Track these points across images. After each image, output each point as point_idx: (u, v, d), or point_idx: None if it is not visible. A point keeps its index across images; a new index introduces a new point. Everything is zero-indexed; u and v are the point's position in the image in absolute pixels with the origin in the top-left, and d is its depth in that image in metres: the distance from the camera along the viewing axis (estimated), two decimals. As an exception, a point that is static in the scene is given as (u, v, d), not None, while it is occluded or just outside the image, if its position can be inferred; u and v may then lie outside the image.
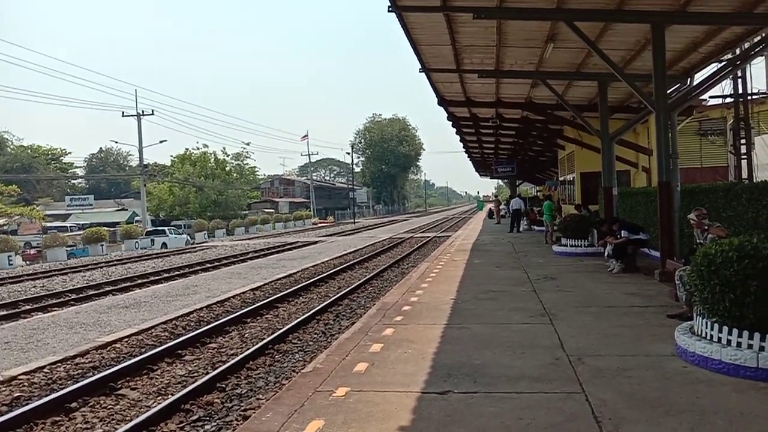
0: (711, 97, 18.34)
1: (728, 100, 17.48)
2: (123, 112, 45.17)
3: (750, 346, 4.89)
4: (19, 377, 6.99)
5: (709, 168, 20.04)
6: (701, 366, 5.13)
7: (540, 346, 6.03)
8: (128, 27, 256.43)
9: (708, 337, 5.24)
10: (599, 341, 6.13)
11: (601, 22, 10.65)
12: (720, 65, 12.91)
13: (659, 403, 4.35)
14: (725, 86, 16.70)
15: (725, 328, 5.08)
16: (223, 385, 6.59)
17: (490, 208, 44.05)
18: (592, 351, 5.76)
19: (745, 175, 15.65)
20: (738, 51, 12.15)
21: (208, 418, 5.65)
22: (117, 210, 65.69)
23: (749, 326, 4.94)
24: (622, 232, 11.31)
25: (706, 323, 5.29)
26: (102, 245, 33.13)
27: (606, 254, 11.71)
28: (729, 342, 5.04)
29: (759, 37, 11.15)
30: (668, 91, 11.09)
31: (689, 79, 13.48)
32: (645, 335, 6.29)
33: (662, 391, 4.61)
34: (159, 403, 5.96)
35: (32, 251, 32.18)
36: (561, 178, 29.80)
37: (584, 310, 7.82)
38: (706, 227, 7.39)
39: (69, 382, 6.90)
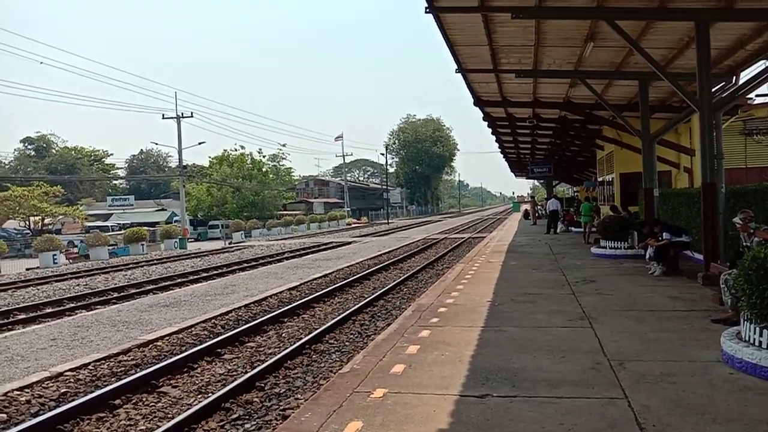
0: (757, 95, 17.77)
1: (775, 98, 16.92)
2: (163, 115, 46.11)
3: (800, 354, 4.73)
4: (66, 373, 7.19)
5: (755, 168, 19.43)
6: (749, 373, 4.98)
7: (580, 350, 5.94)
8: (167, 29, 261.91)
9: (756, 344, 5.09)
10: (641, 346, 6.01)
11: (643, 20, 10.43)
12: None
13: (705, 410, 4.24)
14: (772, 84, 16.16)
15: (775, 335, 4.93)
16: (262, 384, 6.68)
17: (525, 209, 43.56)
18: (634, 356, 5.66)
19: (793, 175, 15.13)
20: (787, 48, 11.75)
21: (247, 417, 5.73)
22: (156, 210, 67.15)
23: (800, 333, 4.79)
24: (664, 234, 11.07)
25: (755, 329, 5.14)
26: (142, 245, 33.87)
27: (647, 257, 11.47)
28: (779, 349, 4.88)
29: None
30: (713, 90, 10.79)
31: (734, 77, 13.09)
32: (689, 340, 6.15)
33: (708, 398, 4.49)
34: (200, 402, 6.07)
35: (75, 250, 33.09)
36: (599, 179, 29.28)
37: (625, 313, 7.67)
38: (753, 230, 7.19)
39: (113, 379, 7.07)
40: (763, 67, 12.52)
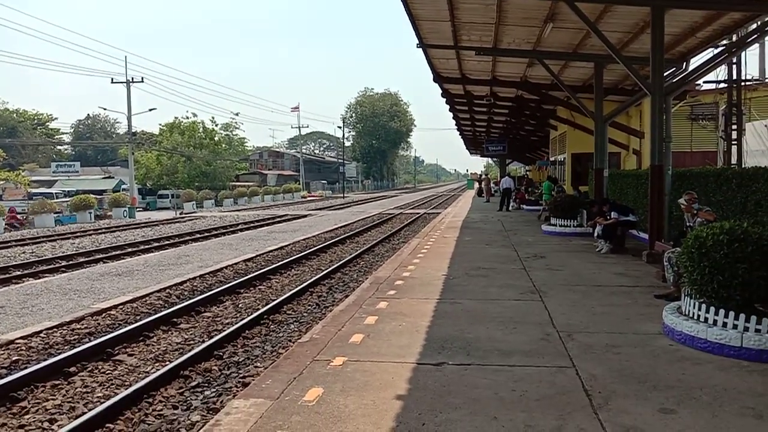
0: (705, 82, 18.45)
1: (722, 85, 17.59)
2: (112, 79, 44.47)
3: (735, 327, 5.07)
4: (17, 341, 7.04)
5: (699, 152, 20.25)
6: (688, 344, 5.31)
7: (531, 322, 6.19)
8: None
9: (695, 317, 5.41)
10: (588, 319, 6.30)
11: (601, 3, 10.65)
12: (716, 51, 12.99)
13: (647, 378, 4.51)
14: (719, 72, 16.83)
15: (712, 309, 5.26)
16: (221, 353, 6.70)
17: (479, 187, 44.15)
18: (581, 328, 5.93)
19: (734, 160, 15.84)
20: (735, 37, 12.22)
21: (207, 384, 5.77)
22: (104, 178, 65.14)
23: (735, 307, 5.12)
24: (612, 213, 11.49)
25: (694, 304, 5.46)
26: (90, 213, 32.91)
27: (595, 234, 11.88)
28: (715, 322, 5.21)
29: (755, 24, 11.22)
30: (664, 75, 11.16)
31: (685, 64, 13.56)
32: (633, 314, 6.47)
33: (650, 367, 4.77)
34: (158, 370, 6.06)
35: (19, 217, 31.87)
36: (552, 159, 29.96)
37: (573, 288, 7.99)
38: (696, 211, 7.55)
39: (66, 347, 6.97)
40: (711, 54, 13.02)
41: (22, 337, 7.15)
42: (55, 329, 7.63)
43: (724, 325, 5.14)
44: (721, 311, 5.19)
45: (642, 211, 11.99)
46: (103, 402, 5.16)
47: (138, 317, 8.47)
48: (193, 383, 5.77)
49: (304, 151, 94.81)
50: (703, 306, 5.35)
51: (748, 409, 3.92)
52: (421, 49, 15.34)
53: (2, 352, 6.72)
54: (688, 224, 7.72)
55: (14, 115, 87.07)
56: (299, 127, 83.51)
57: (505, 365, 4.84)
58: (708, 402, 4.06)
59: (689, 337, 5.32)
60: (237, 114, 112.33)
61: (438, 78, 19.13)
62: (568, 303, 7.05)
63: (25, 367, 6.11)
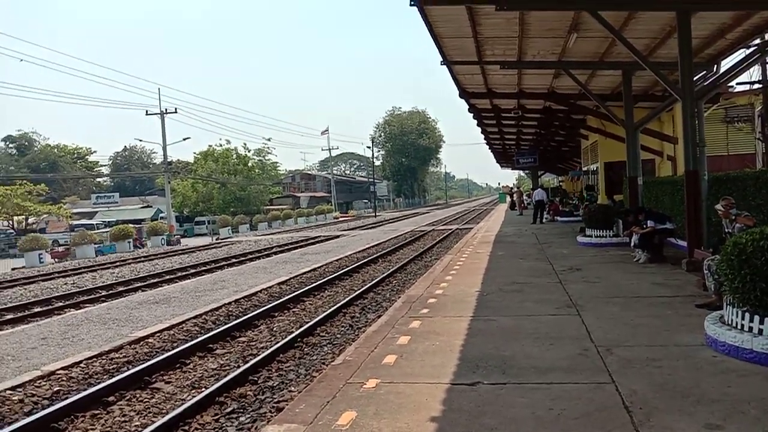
0: (738, 83, 18.02)
1: (756, 86, 17.16)
2: (147, 111, 45.79)
3: (782, 336, 4.86)
4: (58, 372, 7.18)
5: (736, 156, 19.71)
6: (732, 356, 5.10)
7: (568, 337, 6.04)
8: (149, 25, 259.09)
9: (739, 327, 5.21)
10: (627, 332, 6.12)
11: (625, 10, 10.53)
12: (748, 51, 12.69)
13: (690, 392, 4.35)
14: (753, 72, 16.43)
15: (756, 318, 5.05)
16: (255, 378, 6.72)
17: (512, 200, 43.78)
18: (620, 341, 5.76)
19: (773, 162, 15.38)
20: (767, 36, 11.93)
21: (242, 410, 5.78)
22: (142, 207, 66.76)
23: (781, 315, 4.91)
24: (649, 221, 11.22)
25: (737, 313, 5.26)
26: (129, 242, 33.68)
27: (632, 244, 11.62)
28: (761, 331, 5.00)
29: (788, 22, 10.95)
30: (694, 79, 10.94)
31: (715, 66, 13.28)
32: (674, 325, 6.27)
33: (693, 381, 4.60)
34: (194, 396, 6.10)
35: (61, 249, 32.80)
36: (584, 168, 29.55)
37: (611, 300, 7.79)
38: (734, 217, 7.33)
39: (105, 377, 7.08)
40: (743, 55, 12.72)
41: (63, 368, 7.30)
42: (95, 359, 7.77)
43: (771, 334, 4.94)
44: (767, 319, 4.99)
45: (679, 218, 11.70)
46: (142, 430, 5.21)
47: (175, 344, 8.57)
48: (229, 409, 5.78)
49: (335, 172, 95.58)
50: (747, 315, 5.15)
51: (800, 423, 3.75)
52: (445, 66, 15.37)
53: (44, 383, 6.86)
54: (726, 230, 7.49)
55: (55, 150, 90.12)
56: (329, 149, 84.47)
57: (542, 383, 4.72)
58: (757, 416, 3.89)
59: (733, 348, 5.13)
60: (269, 139, 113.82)
61: (464, 94, 19.09)
62: (606, 316, 6.88)
63: (66, 398, 6.22)
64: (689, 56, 9.93)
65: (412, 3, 10.29)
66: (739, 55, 12.86)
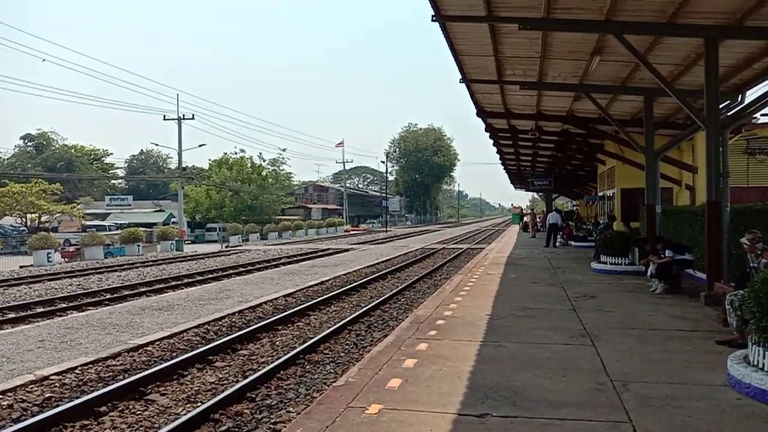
0: (762, 115, 17.70)
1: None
2: (164, 116, 46.04)
3: (812, 381, 4.57)
4: (51, 377, 6.99)
5: (757, 189, 19.32)
6: (758, 399, 4.81)
7: (582, 369, 5.77)
8: (170, 30, 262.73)
9: (766, 369, 4.92)
10: (644, 366, 5.84)
11: (652, 35, 10.32)
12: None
13: (713, 438, 4.07)
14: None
15: (785, 360, 4.77)
16: (253, 395, 6.47)
17: (525, 221, 43.42)
18: (637, 377, 5.49)
19: (796, 196, 15.01)
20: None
21: (236, 430, 5.53)
22: (155, 211, 66.93)
23: (812, 359, 4.62)
24: (667, 251, 10.92)
25: (764, 353, 4.97)
26: (138, 245, 33.65)
27: (649, 274, 11.31)
28: (790, 375, 4.72)
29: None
30: (719, 108, 10.68)
31: (740, 96, 12.99)
32: (693, 362, 5.98)
33: (716, 424, 4.33)
34: (188, 411, 5.87)
35: (71, 249, 32.85)
36: (600, 193, 29.20)
37: (627, 332, 7.50)
38: (761, 251, 7.05)
39: (99, 385, 6.87)
40: (769, 86, 12.43)
41: (57, 373, 7.10)
42: (91, 365, 7.56)
43: (800, 379, 4.65)
44: (796, 363, 4.70)
45: (698, 249, 11.38)
46: (130, 446, 4.99)
47: (174, 354, 8.36)
48: (223, 428, 5.53)
49: (348, 185, 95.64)
50: (774, 356, 4.86)
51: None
52: (464, 84, 15.21)
53: (36, 388, 6.66)
54: (752, 265, 7.21)
55: (72, 150, 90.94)
56: (344, 162, 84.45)
57: (554, 419, 4.46)
58: (786, 470, 3.61)
59: (760, 391, 4.83)
60: (284, 150, 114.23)
61: (481, 113, 18.91)
62: (622, 348, 6.59)
63: (57, 405, 6.01)
64: (716, 84, 9.68)
65: (434, 18, 10.16)
66: (765, 86, 12.58)
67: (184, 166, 49.12)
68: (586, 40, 11.13)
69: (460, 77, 14.53)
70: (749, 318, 5.22)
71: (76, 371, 7.30)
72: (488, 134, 23.10)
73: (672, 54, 11.37)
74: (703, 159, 10.59)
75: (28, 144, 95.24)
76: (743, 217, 10.15)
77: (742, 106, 12.88)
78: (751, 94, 13.08)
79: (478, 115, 19.01)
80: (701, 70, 9.91)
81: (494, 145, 27.24)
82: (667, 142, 14.80)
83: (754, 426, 4.32)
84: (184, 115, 45.55)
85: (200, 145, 64.76)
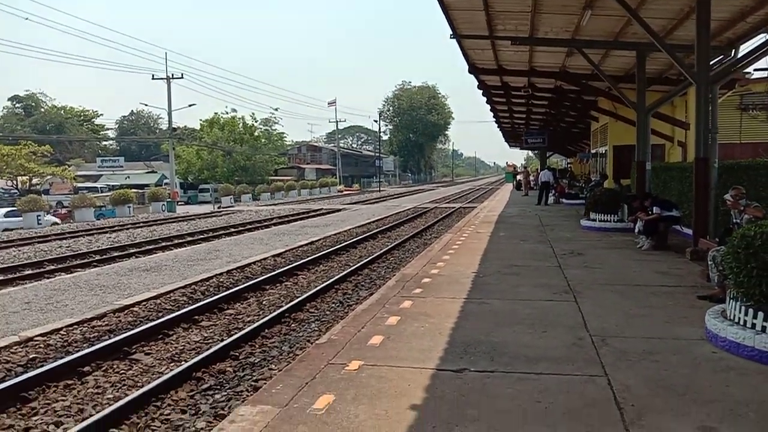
0: (755, 69, 17.51)
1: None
2: (153, 75, 45.29)
3: (787, 334, 4.61)
4: (36, 338, 6.98)
5: (750, 144, 19.26)
6: (733, 352, 4.87)
7: (562, 325, 5.81)
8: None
9: (741, 323, 4.97)
10: (625, 322, 5.89)
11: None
12: (768, 36, 12.21)
13: (686, 390, 4.12)
14: (771, 58, 15.89)
15: (761, 314, 4.80)
16: (237, 354, 6.51)
17: (518, 179, 43.35)
18: (616, 332, 5.54)
19: (787, 152, 14.97)
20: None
21: (218, 387, 5.57)
22: (147, 172, 66.44)
23: (788, 313, 4.65)
24: (655, 208, 10.92)
25: (740, 308, 5.01)
26: (129, 207, 33.51)
27: (636, 230, 11.34)
28: (764, 329, 4.76)
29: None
30: (711, 63, 10.52)
31: (734, 51, 12.80)
32: (674, 317, 6.03)
33: (690, 377, 4.38)
34: (171, 370, 5.91)
35: (63, 211, 32.72)
36: (593, 151, 29.11)
37: (610, 288, 7.55)
38: (743, 207, 7.05)
39: (84, 345, 6.88)
40: (763, 39, 12.23)
41: (41, 335, 7.09)
42: (76, 326, 7.56)
43: (775, 332, 4.68)
44: (772, 317, 4.73)
45: (687, 205, 11.38)
46: (112, 404, 5.01)
47: (160, 314, 8.36)
48: (205, 386, 5.57)
49: (341, 145, 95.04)
50: (750, 311, 4.89)
51: (803, 430, 3.50)
52: (455, 40, 14.92)
53: (20, 349, 6.66)
54: (734, 221, 7.21)
55: (61, 112, 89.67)
56: (336, 122, 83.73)
57: (531, 373, 4.50)
58: (755, 420, 3.66)
59: (734, 344, 4.88)
60: (276, 109, 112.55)
61: (473, 69, 18.65)
62: (605, 304, 6.64)
63: (41, 365, 6.03)
64: (707, 39, 9.51)
65: (420, -30, 9.88)
66: (759, 39, 12.37)
67: (175, 126, 48.59)
68: (578, -7, 10.89)
69: (451, 32, 14.25)
70: (728, 273, 5.24)
71: (61, 332, 7.30)
72: (481, 92, 22.83)
73: (665, 8, 11.14)
74: (694, 115, 10.48)
75: (17, 105, 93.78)
76: (732, 173, 10.13)
77: (734, 60, 12.70)
78: (745, 48, 12.91)
79: (470, 71, 18.74)
80: (694, 25, 9.71)
81: (488, 102, 26.94)
82: (659, 98, 14.65)
83: (727, 378, 4.37)
84: (173, 75, 44.86)
85: (190, 105, 63.98)
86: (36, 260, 14.06)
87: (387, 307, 6.69)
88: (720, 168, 10.05)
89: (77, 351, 6.53)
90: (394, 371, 4.60)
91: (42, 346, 6.81)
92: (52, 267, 13.03)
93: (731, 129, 19.47)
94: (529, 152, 79.19)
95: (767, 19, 11.12)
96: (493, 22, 13.29)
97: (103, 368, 6.11)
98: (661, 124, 17.78)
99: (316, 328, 7.60)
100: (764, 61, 15.79)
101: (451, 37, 14.59)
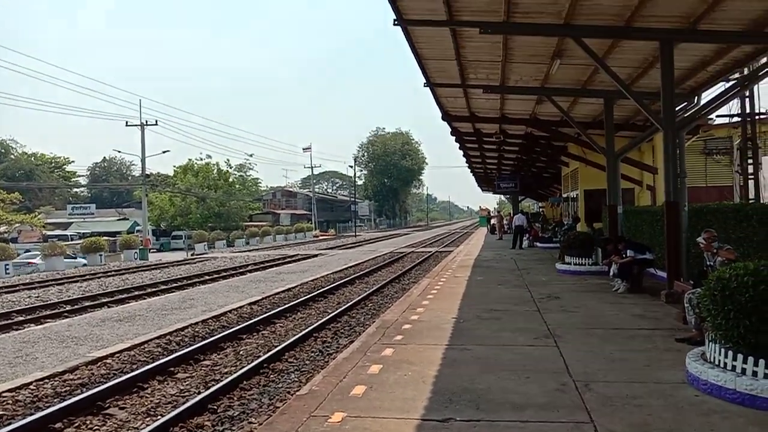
0: (717, 116, 18.18)
1: (735, 119, 17.32)
2: (127, 122, 45.13)
3: (766, 376, 4.66)
4: (3, 394, 6.72)
5: (715, 188, 19.85)
6: (715, 395, 4.90)
7: (545, 370, 5.80)
8: (131, 36, 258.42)
9: (721, 365, 5.01)
10: (606, 366, 5.91)
11: (609, 39, 10.49)
12: (728, 84, 12.75)
13: (672, 436, 4.12)
14: (732, 105, 16.57)
15: (740, 356, 4.86)
16: (215, 407, 6.33)
17: (492, 224, 43.78)
18: (599, 376, 5.54)
19: (751, 195, 15.44)
20: (746, 70, 12.01)
21: (197, 443, 5.41)
22: (118, 219, 65.59)
23: (766, 354, 4.71)
24: (628, 251, 11.11)
25: (720, 350, 5.07)
26: (101, 255, 32.86)
27: (611, 273, 11.49)
28: (744, 371, 4.81)
29: (767, 58, 11.00)
30: (675, 110, 10.91)
31: (696, 98, 13.32)
32: (654, 360, 6.07)
33: (675, 422, 4.38)
34: (147, 425, 5.71)
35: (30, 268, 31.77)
36: (564, 195, 29.64)
37: (590, 331, 7.59)
38: (716, 250, 7.20)
39: (55, 400, 6.64)
40: (723, 88, 12.78)
41: (9, 390, 6.83)
42: (47, 380, 7.31)
43: (755, 374, 4.73)
44: (750, 359, 4.79)
45: (659, 248, 11.60)
46: (86, 463, 4.82)
47: (134, 366, 8.13)
48: (183, 441, 5.41)
49: (316, 190, 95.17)
50: (730, 353, 4.95)
51: (789, 474, 3.52)
52: (428, 88, 15.26)
53: (-12, 406, 6.41)
54: (708, 263, 7.35)
55: (32, 159, 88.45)
56: (311, 167, 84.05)
57: (517, 421, 4.46)
58: (742, 465, 3.66)
59: (716, 387, 4.91)
60: (251, 155, 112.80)
61: (447, 116, 19.04)
62: (585, 348, 6.66)
63: (8, 424, 5.78)
64: (671, 86, 9.90)
65: (396, 23, 10.16)
66: (720, 87, 12.92)
67: (148, 173, 48.25)
68: (547, 44, 11.27)
69: (425, 81, 14.58)
70: (705, 315, 5.32)
71: (31, 387, 7.03)
72: (454, 138, 23.24)
73: (630, 57, 11.59)
74: (662, 160, 10.80)
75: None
76: (701, 216, 10.37)
77: (698, 107, 13.20)
78: (707, 96, 13.45)
79: (443, 118, 19.12)
80: (658, 73, 10.10)
81: (460, 148, 27.42)
82: (627, 143, 15.06)
83: (711, 421, 4.39)
84: (147, 121, 44.78)
85: (164, 152, 63.88)
86: (4, 311, 13.61)
87: (368, 355, 6.62)
88: (689, 211, 10.30)
89: (48, 407, 6.29)
90: (378, 422, 4.52)
91: (10, 402, 6.54)
92: (21, 318, 12.65)
93: (697, 173, 20.08)
94: (502, 196, 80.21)
95: (726, 69, 11.64)
96: (466, 71, 13.65)
97: (76, 424, 5.89)
98: (630, 169, 18.23)
99: (296, 379, 7.45)
100: (726, 108, 16.40)
101: (425, 86, 14.94)
